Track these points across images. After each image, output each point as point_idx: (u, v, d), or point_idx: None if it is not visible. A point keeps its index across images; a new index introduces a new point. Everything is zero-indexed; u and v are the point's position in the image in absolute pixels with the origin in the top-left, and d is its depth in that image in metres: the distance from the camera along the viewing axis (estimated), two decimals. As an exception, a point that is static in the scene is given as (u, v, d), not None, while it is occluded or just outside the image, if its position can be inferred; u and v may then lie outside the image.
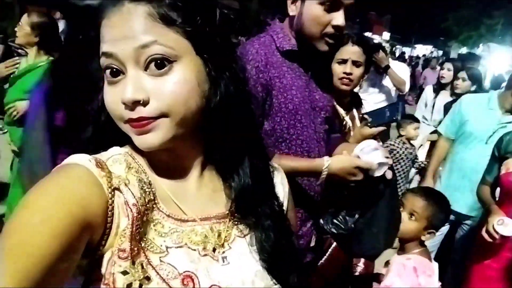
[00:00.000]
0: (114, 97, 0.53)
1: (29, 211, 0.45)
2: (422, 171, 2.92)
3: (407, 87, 3.29)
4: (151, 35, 0.52)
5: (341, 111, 1.89)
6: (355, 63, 1.78)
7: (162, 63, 0.52)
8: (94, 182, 0.51)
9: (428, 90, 3.72)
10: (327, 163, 1.16)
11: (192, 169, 0.63)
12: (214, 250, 0.59)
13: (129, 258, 0.51)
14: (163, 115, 0.53)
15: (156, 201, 0.57)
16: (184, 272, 0.54)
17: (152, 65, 0.52)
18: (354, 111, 1.95)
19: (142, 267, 0.52)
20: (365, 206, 1.21)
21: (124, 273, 0.50)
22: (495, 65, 10.65)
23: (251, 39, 1.26)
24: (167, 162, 0.60)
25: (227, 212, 0.63)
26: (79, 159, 0.54)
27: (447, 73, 3.46)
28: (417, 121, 2.94)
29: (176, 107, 0.53)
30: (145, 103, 0.52)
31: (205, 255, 0.58)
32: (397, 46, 23.03)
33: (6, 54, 2.49)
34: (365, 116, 1.88)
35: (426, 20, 23.22)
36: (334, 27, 1.12)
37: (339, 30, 1.13)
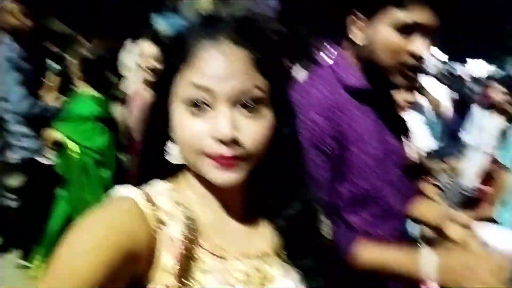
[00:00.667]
0: (200, 130, 0.55)
1: (80, 236, 0.49)
2: (473, 201, 2.79)
3: (445, 109, 3.19)
4: (252, 78, 0.55)
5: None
6: (410, 89, 1.86)
7: (252, 105, 0.56)
8: (141, 216, 0.54)
9: (475, 111, 3.54)
10: (430, 265, 0.78)
11: (236, 206, 0.64)
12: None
13: None
14: (248, 156, 0.56)
15: (198, 238, 0.58)
16: None
17: (242, 105, 0.55)
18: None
19: None
20: None
21: None
22: None
23: (309, 75, 1.05)
24: (214, 197, 0.62)
25: (270, 250, 0.64)
26: (129, 192, 0.57)
27: (497, 93, 3.28)
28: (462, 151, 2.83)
29: (260, 150, 0.57)
30: (239, 142, 0.55)
31: None
32: (448, 63, 22.23)
33: (64, 85, 2.74)
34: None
35: (479, 34, 22.23)
36: (414, 56, 0.91)
37: (420, 60, 0.92)
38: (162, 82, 0.61)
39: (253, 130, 0.56)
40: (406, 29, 0.90)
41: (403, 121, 1.19)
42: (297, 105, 0.92)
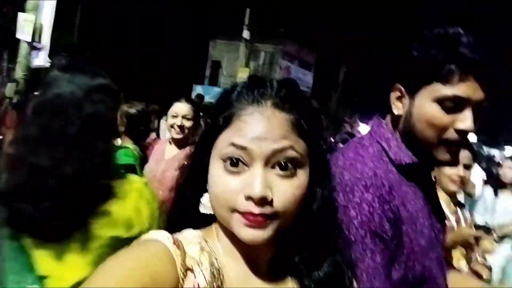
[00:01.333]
0: (234, 187, 0.57)
1: (107, 276, 0.50)
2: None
3: (477, 191, 3.20)
4: (289, 140, 0.58)
5: (445, 209, 1.87)
6: (466, 167, 1.91)
7: (286, 165, 0.57)
8: (169, 260, 0.54)
9: (486, 191, 3.54)
10: None
11: (263, 262, 0.64)
12: None
13: None
14: (277, 215, 0.57)
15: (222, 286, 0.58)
16: None
17: (278, 165, 0.57)
18: (459, 211, 2.10)
19: None
20: None
21: None
22: None
23: (354, 149, 0.97)
24: (240, 251, 0.63)
25: None
26: (159, 235, 0.58)
27: (509, 171, 3.38)
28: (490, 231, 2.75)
29: (291, 210, 0.58)
30: (270, 202, 0.56)
31: None
32: (484, 148, 21.80)
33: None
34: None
35: None
36: (459, 132, 0.87)
37: (464, 136, 0.88)
38: (204, 139, 0.64)
39: (286, 190, 0.57)
40: (451, 104, 0.87)
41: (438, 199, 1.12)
42: (346, 183, 0.86)
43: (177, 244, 0.57)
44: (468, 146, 1.97)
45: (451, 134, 0.88)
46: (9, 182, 0.96)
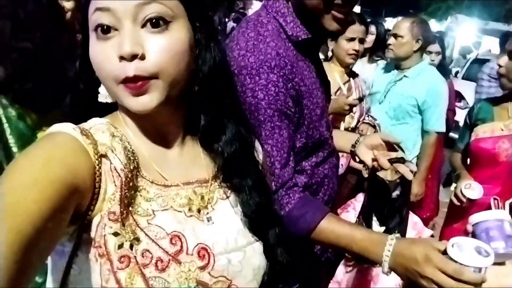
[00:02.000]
0: (107, 53, 0.54)
1: (19, 174, 0.47)
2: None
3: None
4: None
5: (339, 80, 2.16)
6: (361, 41, 2.11)
7: (157, 22, 0.55)
8: (80, 149, 0.53)
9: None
10: (390, 244, 0.82)
11: (174, 136, 0.66)
12: (199, 211, 0.63)
13: (119, 220, 0.54)
14: (156, 75, 0.55)
15: (139, 169, 0.60)
16: (172, 232, 0.58)
17: (149, 23, 0.54)
18: (351, 80, 2.25)
19: (132, 229, 0.55)
20: None
21: (115, 234, 0.54)
22: (463, 36, 11.64)
23: (253, 28, 0.95)
24: (149, 130, 0.63)
25: (209, 176, 0.67)
26: (64, 127, 0.55)
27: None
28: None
29: (170, 66, 0.56)
30: (142, 58, 0.54)
31: (191, 216, 0.62)
32: (368, 20, 23.53)
33: None
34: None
35: None
36: None
37: (347, 0, 0.90)
38: (82, 17, 0.60)
39: (159, 45, 0.55)
40: None
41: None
42: (252, 66, 0.87)
43: (85, 133, 0.55)
44: (361, 18, 2.13)
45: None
46: (4, 71, 1.09)
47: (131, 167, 0.58)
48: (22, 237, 0.42)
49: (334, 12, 0.90)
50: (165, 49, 0.55)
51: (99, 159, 0.55)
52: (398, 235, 0.86)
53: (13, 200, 0.44)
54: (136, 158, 0.60)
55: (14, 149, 1.14)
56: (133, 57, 0.53)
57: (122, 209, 0.55)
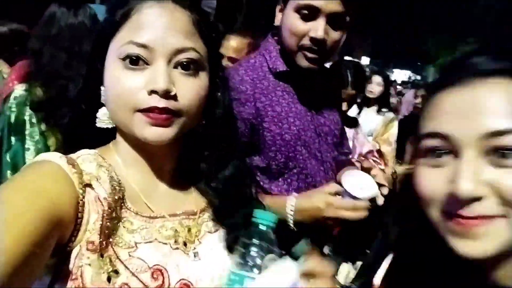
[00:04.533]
0: (135, 83, 0.56)
1: (1, 208, 0.46)
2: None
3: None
4: (191, 41, 0.59)
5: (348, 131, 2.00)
6: (350, 104, 2.51)
7: (188, 65, 0.59)
8: (65, 179, 0.54)
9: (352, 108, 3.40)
10: (292, 204, 1.04)
11: (166, 168, 0.67)
12: (185, 244, 0.63)
13: (98, 250, 0.53)
14: (181, 113, 0.59)
15: (124, 200, 0.60)
16: (154, 265, 0.57)
17: (180, 65, 0.58)
18: (352, 132, 2.30)
19: (111, 261, 0.54)
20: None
21: (92, 265, 0.53)
22: None
23: (239, 62, 1.18)
24: (143, 162, 0.65)
25: (197, 209, 0.67)
26: (50, 156, 0.56)
27: (376, 87, 3.32)
28: None
29: (194, 107, 0.60)
30: (173, 97, 0.57)
31: (177, 248, 0.61)
32: (376, 70, 24.37)
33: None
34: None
35: (405, 44, 23.65)
36: (311, 40, 1.01)
37: (317, 44, 1.02)
38: (99, 41, 0.62)
39: (189, 87, 0.59)
40: (306, 13, 1.00)
41: (335, 104, 1.29)
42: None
43: (71, 162, 0.57)
44: (354, 82, 2.44)
45: (305, 41, 1.02)
46: (49, 94, 1.41)
47: (116, 197, 0.58)
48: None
49: (305, 52, 1.03)
50: (194, 91, 0.59)
51: (84, 188, 0.55)
52: (295, 194, 1.07)
53: None
54: (123, 188, 0.60)
55: (27, 152, 1.41)
56: (166, 93, 0.56)
57: (101, 239, 0.54)
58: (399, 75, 26.95)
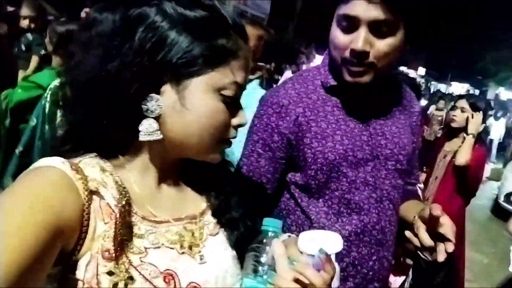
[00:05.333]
0: (228, 119, 0.64)
1: (2, 218, 0.47)
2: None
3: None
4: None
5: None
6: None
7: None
8: (69, 186, 0.54)
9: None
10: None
11: (171, 173, 0.69)
12: (190, 248, 0.65)
13: (113, 258, 0.55)
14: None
15: (131, 204, 0.61)
16: (165, 270, 0.61)
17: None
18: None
19: (125, 268, 0.56)
20: None
21: (110, 273, 0.55)
22: None
23: (291, 77, 1.16)
24: (151, 168, 0.66)
25: (197, 212, 0.70)
26: (53, 161, 0.56)
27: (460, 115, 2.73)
28: None
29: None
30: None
31: (183, 253, 0.64)
32: (432, 83, 25.90)
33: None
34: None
35: (464, 58, 23.39)
36: (351, 52, 0.91)
37: (358, 56, 0.91)
38: (180, 65, 0.60)
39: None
40: (345, 24, 0.92)
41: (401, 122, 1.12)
42: (269, 97, 1.04)
43: (75, 168, 0.57)
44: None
45: (347, 54, 0.93)
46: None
47: (123, 203, 0.59)
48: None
49: (348, 66, 0.94)
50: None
51: (89, 195, 0.56)
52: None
53: None
54: (127, 193, 0.61)
55: None
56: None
57: (116, 247, 0.55)
58: (457, 88, 27.19)
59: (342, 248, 0.66)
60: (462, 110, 2.63)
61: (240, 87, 0.64)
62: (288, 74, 5.91)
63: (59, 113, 1.57)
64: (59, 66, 2.21)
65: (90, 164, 0.61)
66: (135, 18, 0.59)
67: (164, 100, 0.61)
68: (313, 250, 0.63)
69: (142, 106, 0.60)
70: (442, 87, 26.62)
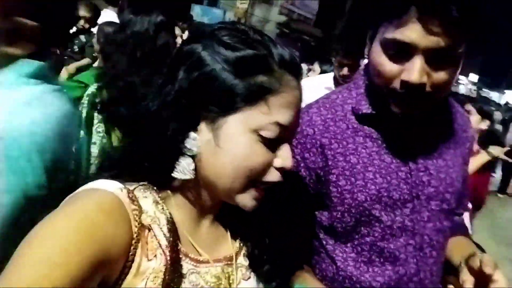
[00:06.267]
0: (267, 160, 0.60)
1: (49, 244, 0.46)
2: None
3: None
4: None
5: None
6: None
7: None
8: (122, 216, 0.53)
9: None
10: None
11: (209, 211, 0.68)
12: None
13: None
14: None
15: (178, 241, 0.61)
16: None
17: None
18: None
19: None
20: None
21: None
22: None
23: (317, 99, 0.97)
24: (187, 203, 0.65)
25: (234, 255, 0.69)
26: (111, 186, 0.55)
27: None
28: None
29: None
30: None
31: None
32: (484, 90, 24.83)
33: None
34: None
35: None
36: (402, 84, 0.77)
37: (412, 89, 0.76)
38: (224, 94, 0.58)
39: None
40: (393, 50, 0.77)
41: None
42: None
43: (131, 197, 0.56)
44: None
45: (396, 84, 0.78)
46: (107, 93, 1.55)
47: (173, 241, 0.58)
48: None
49: (398, 98, 0.80)
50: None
51: (141, 229, 0.55)
52: None
53: (32, 278, 0.43)
54: (177, 231, 0.61)
55: (93, 146, 1.53)
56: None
57: (163, 286, 0.55)
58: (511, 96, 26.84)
59: None
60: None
61: (285, 128, 0.59)
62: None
63: (96, 118, 1.60)
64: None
65: (144, 192, 0.60)
66: (183, 55, 0.60)
67: (201, 138, 0.60)
68: None
69: (180, 145, 0.59)
70: (495, 94, 25.74)
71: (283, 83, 0.59)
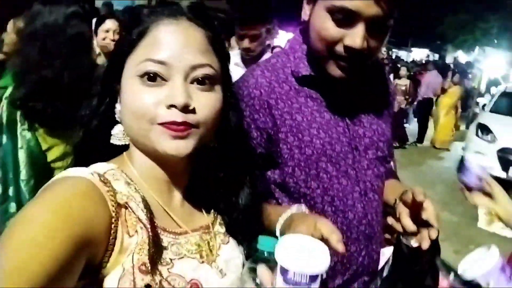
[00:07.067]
0: (153, 98, 0.61)
1: (32, 227, 0.47)
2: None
3: None
4: (206, 57, 0.64)
5: None
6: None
7: (204, 81, 0.63)
8: (99, 198, 0.56)
9: None
10: (284, 218, 0.83)
11: (181, 184, 0.71)
12: (207, 257, 0.69)
13: (149, 271, 0.57)
14: (198, 126, 0.63)
15: (154, 217, 0.63)
16: (191, 280, 0.64)
17: (196, 81, 0.63)
18: None
19: (158, 280, 0.59)
20: None
21: (148, 286, 0.56)
22: (491, 69, 11.75)
23: (258, 63, 1.06)
24: (159, 177, 0.68)
25: (210, 223, 0.73)
26: (82, 172, 0.58)
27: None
28: None
29: (211, 122, 0.65)
30: (192, 111, 0.62)
31: (203, 262, 0.68)
32: (393, 50, 26.41)
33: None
34: None
35: (423, 23, 23.75)
36: (346, 48, 0.85)
37: (353, 53, 0.85)
38: (115, 61, 0.67)
39: (206, 101, 0.64)
40: (340, 16, 0.84)
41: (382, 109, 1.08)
42: (238, 89, 0.91)
43: (103, 180, 0.58)
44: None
45: (339, 48, 0.86)
46: (23, 90, 1.49)
47: (150, 216, 0.61)
48: None
49: (338, 61, 0.88)
50: (211, 104, 0.63)
51: (118, 209, 0.57)
52: (300, 207, 0.86)
53: (19, 258, 0.45)
54: (149, 205, 0.63)
55: (21, 151, 1.49)
56: (185, 108, 0.60)
57: (150, 260, 0.57)
58: (417, 53, 28.02)
59: (326, 268, 0.57)
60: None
61: (163, 63, 0.62)
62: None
63: (18, 122, 1.53)
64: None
65: (114, 176, 0.62)
66: None
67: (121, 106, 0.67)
68: (290, 264, 0.55)
69: (114, 116, 0.68)
70: (403, 53, 27.41)
71: (152, 26, 0.64)
